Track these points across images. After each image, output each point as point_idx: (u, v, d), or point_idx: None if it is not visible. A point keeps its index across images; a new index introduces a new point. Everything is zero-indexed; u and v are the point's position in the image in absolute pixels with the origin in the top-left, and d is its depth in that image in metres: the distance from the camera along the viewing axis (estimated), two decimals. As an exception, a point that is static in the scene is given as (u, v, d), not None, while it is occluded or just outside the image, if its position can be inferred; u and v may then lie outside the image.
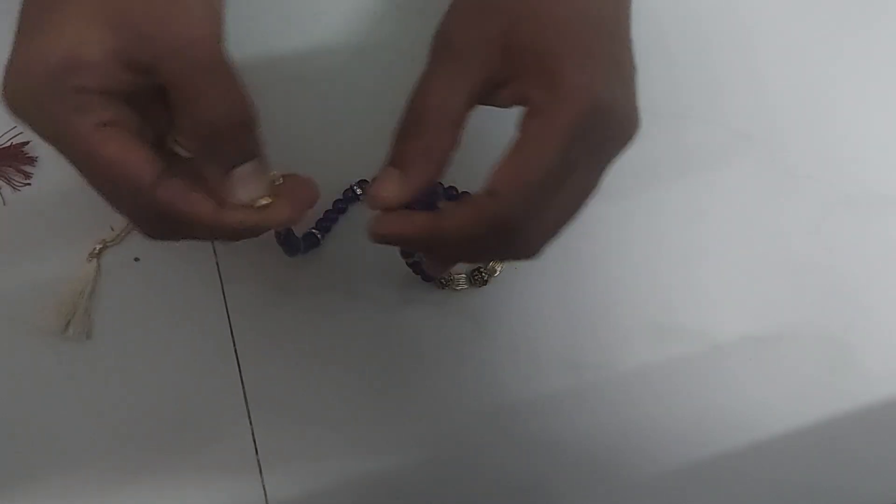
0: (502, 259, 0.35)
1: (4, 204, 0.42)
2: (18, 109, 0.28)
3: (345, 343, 0.42)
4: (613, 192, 0.43)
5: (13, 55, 0.28)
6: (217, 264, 0.42)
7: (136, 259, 0.42)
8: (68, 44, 0.27)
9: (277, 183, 0.31)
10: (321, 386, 0.42)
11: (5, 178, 0.42)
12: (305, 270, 0.42)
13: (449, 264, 0.32)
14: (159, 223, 0.30)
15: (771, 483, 0.44)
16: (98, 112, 0.28)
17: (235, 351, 0.42)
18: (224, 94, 0.28)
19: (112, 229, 0.42)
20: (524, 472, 0.43)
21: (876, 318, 0.44)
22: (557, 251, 0.43)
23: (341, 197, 0.42)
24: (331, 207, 0.42)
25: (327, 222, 0.42)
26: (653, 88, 0.44)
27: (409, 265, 0.40)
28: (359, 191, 0.42)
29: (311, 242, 0.42)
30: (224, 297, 0.42)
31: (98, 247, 0.42)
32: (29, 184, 0.42)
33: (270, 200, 0.30)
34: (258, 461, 0.42)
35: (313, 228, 0.42)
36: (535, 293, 0.43)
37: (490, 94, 0.31)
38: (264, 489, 0.41)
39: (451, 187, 0.42)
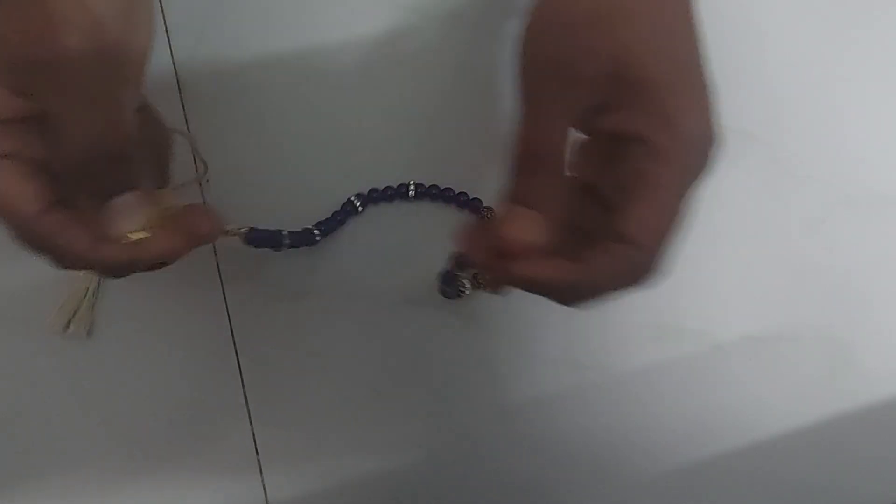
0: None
1: None
2: None
3: (345, 343, 0.42)
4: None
5: None
6: (217, 264, 0.42)
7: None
8: None
9: (172, 213, 0.31)
10: (321, 386, 0.42)
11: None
12: (306, 271, 0.42)
13: (579, 304, 0.31)
14: (50, 256, 0.30)
15: (771, 483, 0.44)
16: None
17: (236, 351, 0.42)
18: (90, 125, 0.27)
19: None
20: (524, 472, 0.43)
21: (876, 318, 0.44)
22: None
23: (339, 209, 0.42)
24: (329, 217, 0.42)
25: (327, 228, 0.42)
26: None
27: (442, 284, 0.41)
28: (357, 203, 0.42)
29: (306, 238, 0.41)
30: (224, 297, 0.42)
31: None
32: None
33: (146, 235, 0.30)
34: (258, 461, 0.42)
35: (313, 228, 0.41)
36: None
37: (589, 118, 0.30)
38: (265, 489, 0.41)
39: (476, 199, 0.42)
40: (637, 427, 0.43)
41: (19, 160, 0.28)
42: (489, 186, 0.42)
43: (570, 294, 0.30)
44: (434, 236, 0.42)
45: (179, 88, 0.41)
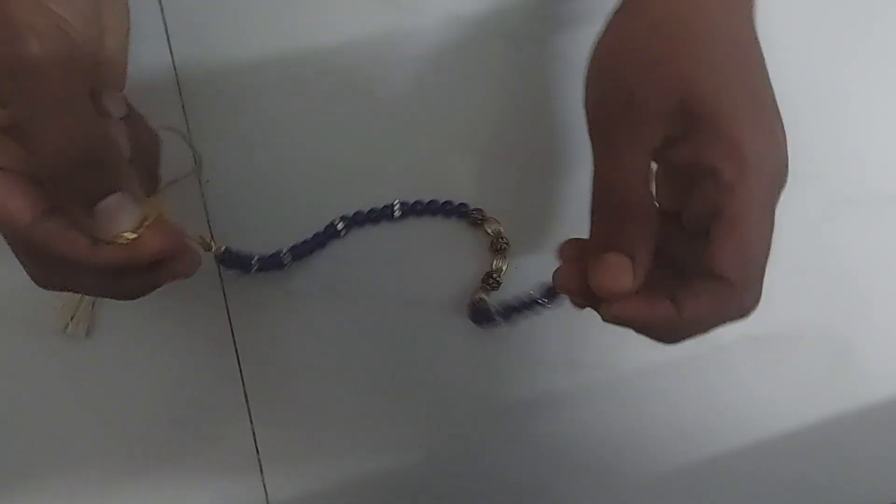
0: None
1: None
2: None
3: (345, 343, 0.42)
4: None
5: None
6: (218, 264, 0.42)
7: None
8: None
9: (162, 213, 0.31)
10: (322, 386, 0.42)
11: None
12: (306, 271, 0.42)
13: (668, 341, 0.31)
14: (41, 265, 0.30)
15: (771, 483, 0.44)
16: None
17: (236, 351, 0.42)
18: (62, 130, 0.27)
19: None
20: (525, 472, 0.43)
21: (877, 318, 0.44)
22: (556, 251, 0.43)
23: (321, 231, 0.41)
24: (309, 238, 0.41)
25: (302, 250, 0.41)
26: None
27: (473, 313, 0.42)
28: (340, 225, 0.41)
29: (274, 263, 0.41)
30: (225, 297, 0.42)
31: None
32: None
33: (136, 235, 0.30)
34: (259, 461, 0.42)
35: (284, 251, 0.41)
36: (535, 292, 0.43)
37: (663, 151, 0.30)
38: (265, 489, 0.41)
39: (462, 204, 0.42)
40: (637, 427, 0.43)
41: (7, 171, 0.28)
42: (485, 192, 0.42)
43: (669, 333, 0.30)
44: (433, 243, 0.42)
45: (179, 88, 0.41)
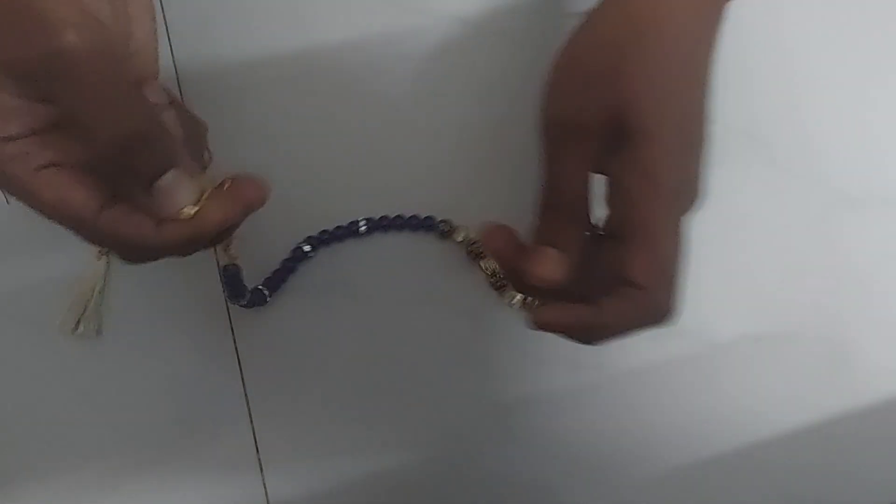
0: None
1: (8, 203, 0.42)
2: None
3: (345, 342, 0.42)
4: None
5: None
6: (218, 264, 0.42)
7: (99, 255, 0.42)
8: None
9: (216, 187, 0.31)
10: (322, 385, 0.42)
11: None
12: (307, 270, 0.42)
13: (587, 342, 0.33)
14: (118, 250, 0.31)
15: (771, 483, 0.44)
16: (33, 156, 0.28)
17: (236, 350, 0.42)
18: (108, 110, 0.27)
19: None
20: (524, 472, 0.43)
21: (876, 318, 0.44)
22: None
23: (289, 256, 0.42)
24: (279, 267, 0.42)
25: (276, 281, 0.41)
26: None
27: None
28: (307, 248, 0.41)
29: (257, 299, 0.41)
30: (225, 297, 0.42)
31: None
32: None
33: (197, 209, 0.30)
34: (259, 460, 0.42)
35: (260, 286, 0.41)
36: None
37: (601, 163, 0.32)
38: (265, 488, 0.42)
39: (413, 216, 0.42)
40: (637, 427, 0.43)
41: (65, 167, 0.29)
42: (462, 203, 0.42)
43: (587, 336, 0.33)
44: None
45: (180, 87, 0.42)
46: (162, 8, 0.42)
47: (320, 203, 0.42)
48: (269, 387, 0.42)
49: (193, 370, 0.42)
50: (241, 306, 0.41)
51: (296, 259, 0.42)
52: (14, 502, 0.41)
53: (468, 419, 0.43)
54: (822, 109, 0.45)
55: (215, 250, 0.42)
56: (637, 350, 0.43)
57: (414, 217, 0.42)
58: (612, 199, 0.32)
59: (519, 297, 0.42)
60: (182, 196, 0.30)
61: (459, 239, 0.42)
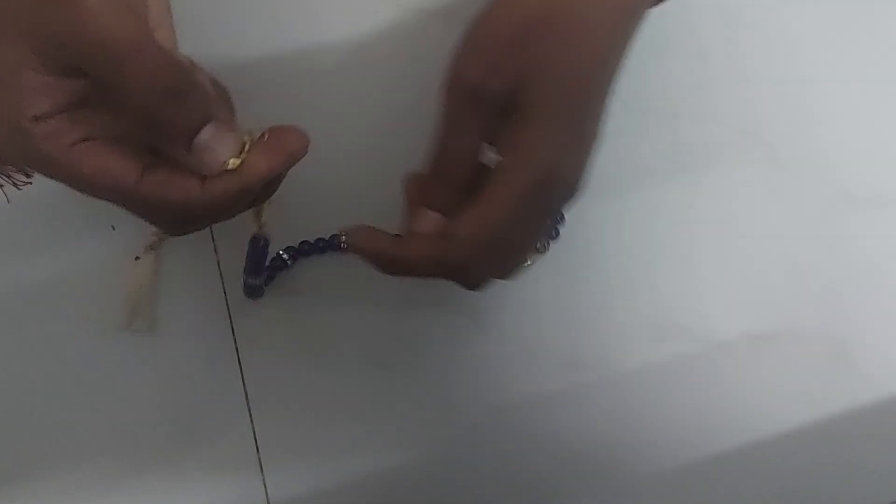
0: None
1: (9, 202, 0.42)
2: (4, 158, 0.29)
3: (345, 342, 0.42)
4: (612, 191, 0.44)
5: None
6: (218, 263, 0.42)
7: (137, 258, 0.42)
8: (3, 82, 0.27)
9: (257, 137, 0.31)
10: (322, 385, 0.42)
11: (7, 178, 0.42)
12: (307, 270, 0.42)
13: (399, 275, 0.35)
14: (162, 217, 0.31)
15: (771, 483, 0.44)
16: (65, 133, 0.28)
17: (237, 350, 0.42)
18: (139, 69, 0.27)
19: (113, 228, 0.42)
20: (524, 471, 0.43)
21: (875, 318, 0.44)
22: (556, 250, 0.43)
23: (326, 238, 0.42)
24: (312, 242, 0.42)
25: (302, 253, 0.41)
26: (650, 87, 0.44)
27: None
28: (286, 256, 0.41)
29: (279, 265, 0.41)
30: (225, 296, 0.42)
31: (154, 238, 0.41)
32: (31, 182, 0.42)
33: (240, 161, 0.30)
34: (259, 460, 0.42)
35: (284, 252, 0.41)
36: (534, 292, 0.43)
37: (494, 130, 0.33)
38: (265, 488, 0.42)
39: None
40: (637, 426, 0.43)
41: (99, 139, 0.29)
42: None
43: (390, 268, 0.34)
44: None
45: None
46: (163, 8, 0.42)
47: (320, 206, 0.42)
48: (270, 386, 0.42)
49: (193, 370, 0.42)
50: (245, 292, 0.41)
51: (331, 245, 0.42)
52: (14, 502, 0.41)
53: (468, 419, 0.43)
54: (823, 109, 0.45)
55: (215, 247, 0.42)
56: (637, 350, 0.43)
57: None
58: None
59: None
60: (223, 149, 0.29)
61: None
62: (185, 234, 0.33)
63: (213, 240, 0.42)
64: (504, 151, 0.32)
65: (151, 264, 0.41)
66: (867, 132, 0.45)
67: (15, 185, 0.42)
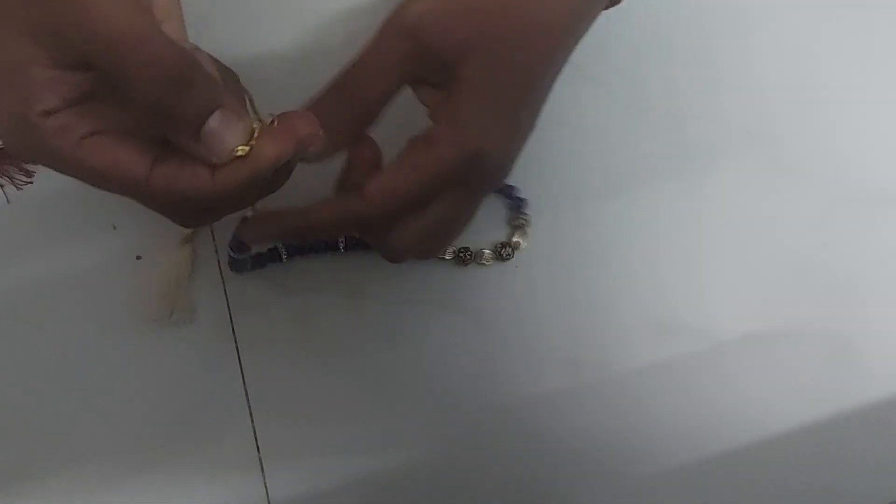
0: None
1: (8, 202, 0.42)
2: (13, 153, 0.28)
3: (346, 342, 0.42)
4: (614, 190, 0.44)
5: None
6: (218, 262, 0.42)
7: (139, 257, 0.42)
8: (11, 78, 0.27)
9: (268, 124, 0.31)
10: (322, 384, 0.42)
11: (7, 177, 0.42)
12: (307, 269, 0.42)
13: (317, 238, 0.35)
14: (174, 210, 0.31)
15: (772, 482, 0.44)
16: (75, 127, 0.28)
17: (237, 350, 0.42)
18: (145, 60, 0.27)
19: (114, 228, 0.42)
20: (525, 471, 0.43)
21: (878, 316, 0.44)
22: (557, 250, 0.43)
23: (263, 252, 0.42)
24: (310, 241, 0.42)
25: (299, 251, 0.42)
26: (651, 86, 0.44)
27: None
28: (342, 244, 0.42)
29: (272, 257, 0.41)
30: (226, 296, 0.42)
31: (189, 231, 0.41)
32: (31, 182, 0.42)
33: (248, 147, 0.29)
34: (260, 460, 0.42)
35: (283, 245, 0.41)
36: (535, 291, 0.43)
37: (416, 85, 0.33)
38: (266, 488, 0.42)
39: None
40: (637, 426, 0.43)
41: (108, 132, 0.29)
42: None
43: (300, 236, 0.34)
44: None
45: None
46: (163, 8, 0.42)
47: (312, 191, 0.42)
48: (270, 386, 0.42)
49: (194, 369, 0.42)
50: (230, 264, 0.41)
51: (328, 246, 0.42)
52: (14, 502, 0.41)
53: (468, 419, 0.43)
54: (826, 107, 0.45)
55: (215, 247, 0.42)
56: (639, 349, 0.43)
57: None
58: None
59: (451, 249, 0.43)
60: (232, 137, 0.29)
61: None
62: (199, 226, 0.33)
63: (214, 239, 0.42)
64: (436, 119, 0.32)
65: (188, 256, 0.41)
66: (871, 131, 0.45)
67: (15, 185, 0.42)
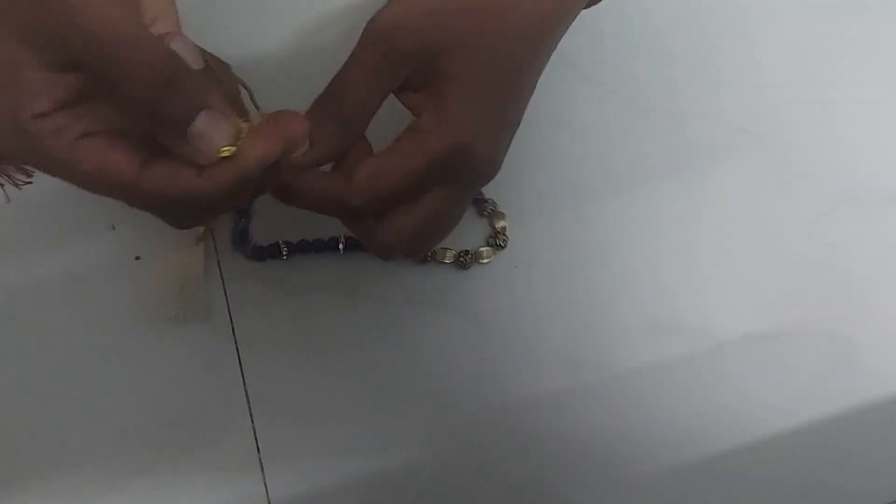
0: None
1: (9, 201, 0.42)
2: (6, 156, 0.28)
3: (346, 342, 0.42)
4: (614, 189, 0.44)
5: None
6: (219, 262, 0.42)
7: (137, 258, 0.42)
8: (1, 81, 0.27)
9: (259, 121, 0.30)
10: (322, 384, 0.42)
11: (7, 177, 0.42)
12: (306, 269, 0.42)
13: (294, 206, 0.34)
14: (169, 211, 0.31)
15: (772, 482, 0.44)
16: (67, 130, 0.28)
17: (237, 349, 0.42)
18: (131, 60, 0.27)
19: (113, 228, 0.42)
20: (525, 471, 0.43)
21: (878, 316, 0.45)
22: (557, 250, 0.43)
23: (325, 240, 0.42)
24: (310, 241, 0.42)
25: (299, 249, 0.42)
26: (651, 86, 0.44)
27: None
28: (341, 245, 0.42)
29: (272, 252, 0.42)
30: (226, 296, 0.42)
31: (202, 229, 0.41)
32: (31, 182, 0.42)
33: (235, 148, 0.29)
34: (260, 460, 0.42)
35: (283, 242, 0.42)
36: (535, 291, 0.43)
37: (401, 90, 0.34)
38: (266, 487, 0.41)
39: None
40: (637, 426, 0.43)
41: (100, 134, 0.28)
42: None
43: (283, 193, 0.34)
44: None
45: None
46: (163, 8, 0.42)
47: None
48: (270, 386, 0.42)
49: (194, 369, 0.42)
50: (233, 241, 0.41)
51: (327, 245, 0.42)
52: (14, 502, 0.41)
53: (468, 419, 0.43)
54: (824, 108, 0.45)
55: (215, 247, 0.42)
56: (638, 349, 0.43)
57: None
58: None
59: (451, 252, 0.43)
60: (218, 137, 0.29)
61: (497, 226, 0.43)
62: (193, 226, 0.33)
63: (214, 239, 0.42)
64: (422, 113, 0.32)
65: (202, 255, 0.41)
66: (871, 131, 0.45)
67: (15, 184, 0.42)
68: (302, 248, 0.42)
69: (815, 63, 0.45)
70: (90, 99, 0.28)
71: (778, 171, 0.45)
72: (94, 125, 0.28)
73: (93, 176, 0.28)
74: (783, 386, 0.44)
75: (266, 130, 0.30)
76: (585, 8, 0.35)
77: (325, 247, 0.42)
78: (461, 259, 0.43)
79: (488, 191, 0.43)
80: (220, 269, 0.42)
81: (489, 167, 0.34)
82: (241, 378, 0.42)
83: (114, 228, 0.42)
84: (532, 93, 0.34)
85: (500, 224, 0.43)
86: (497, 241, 0.43)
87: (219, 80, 0.32)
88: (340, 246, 0.42)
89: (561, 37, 0.34)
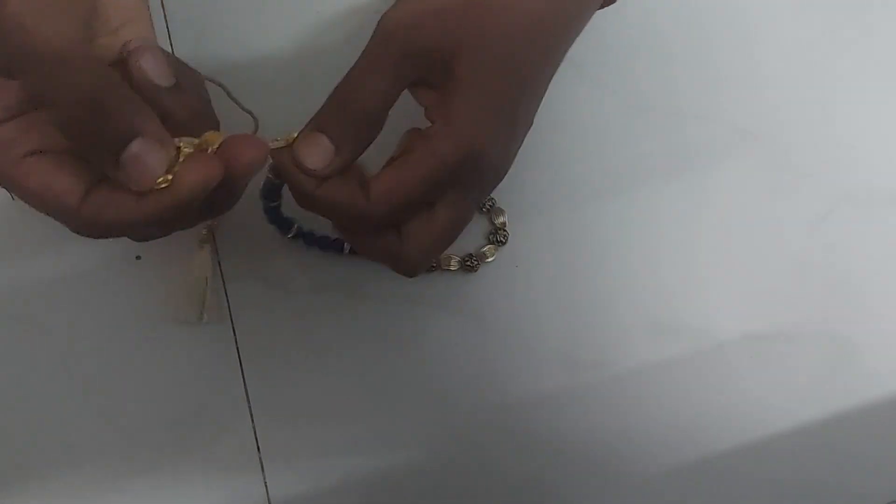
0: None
1: (13, 199, 0.42)
2: None
3: (346, 341, 0.42)
4: (614, 189, 0.44)
5: None
6: (219, 262, 0.42)
7: (138, 257, 0.42)
8: None
9: (196, 150, 0.29)
10: (323, 384, 0.42)
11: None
12: (307, 269, 0.42)
13: (310, 210, 0.33)
14: (110, 236, 0.30)
15: (772, 482, 0.44)
16: (16, 143, 0.27)
17: (237, 349, 0.42)
18: (62, 77, 0.26)
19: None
20: (525, 471, 0.43)
21: (878, 316, 0.45)
22: (557, 250, 0.43)
23: (331, 238, 0.42)
24: (316, 235, 0.41)
25: (305, 238, 0.41)
26: (651, 85, 0.44)
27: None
28: (346, 247, 0.42)
29: (286, 222, 0.40)
30: (226, 296, 0.42)
31: (204, 232, 0.41)
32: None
33: (171, 176, 0.28)
34: (260, 459, 0.42)
35: (297, 226, 0.41)
36: (535, 291, 0.43)
37: (414, 87, 0.33)
38: (266, 487, 0.42)
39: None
40: (637, 426, 0.43)
41: (49, 153, 0.28)
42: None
43: (300, 196, 0.32)
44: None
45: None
46: (163, 8, 0.42)
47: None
48: (270, 386, 0.42)
49: (194, 369, 0.42)
50: (265, 211, 0.39)
51: (339, 245, 0.41)
52: (14, 502, 0.41)
53: (468, 419, 0.43)
54: (824, 108, 0.45)
55: (215, 247, 0.42)
56: (638, 349, 0.43)
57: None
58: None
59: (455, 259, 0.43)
60: (152, 163, 0.27)
61: (496, 222, 0.43)
62: (146, 241, 0.32)
63: (214, 239, 0.42)
64: (434, 118, 0.32)
65: (210, 256, 0.41)
66: (871, 131, 0.45)
67: None
68: (307, 239, 0.41)
69: (815, 63, 0.45)
70: (42, 116, 0.28)
71: (778, 171, 0.45)
72: (45, 141, 0.28)
73: (36, 195, 0.28)
74: (783, 386, 0.44)
75: (205, 157, 0.29)
76: (601, 8, 0.35)
77: (328, 244, 0.42)
78: (467, 263, 0.43)
79: (488, 191, 0.43)
80: (220, 267, 0.42)
81: (498, 172, 0.34)
82: (242, 378, 0.42)
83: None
84: (542, 95, 0.34)
85: (499, 220, 0.43)
86: (497, 236, 0.43)
87: (182, 99, 0.31)
88: (346, 249, 0.42)
89: (570, 39, 0.34)
